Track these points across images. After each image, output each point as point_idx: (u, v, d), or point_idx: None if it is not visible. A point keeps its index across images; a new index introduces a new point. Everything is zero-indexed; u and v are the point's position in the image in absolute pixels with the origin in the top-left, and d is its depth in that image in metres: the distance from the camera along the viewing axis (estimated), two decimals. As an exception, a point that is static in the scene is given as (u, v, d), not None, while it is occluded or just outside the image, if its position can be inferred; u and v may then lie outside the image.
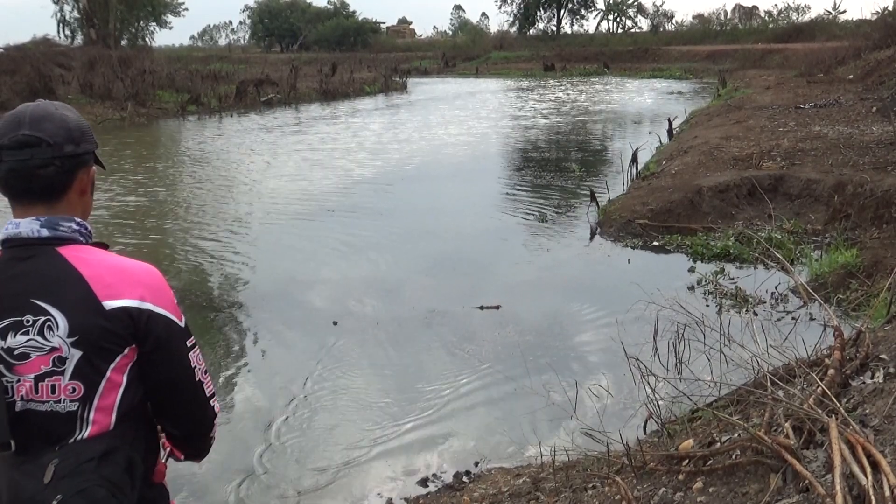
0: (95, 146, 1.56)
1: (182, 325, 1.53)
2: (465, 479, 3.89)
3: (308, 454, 4.20)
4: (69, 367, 1.41)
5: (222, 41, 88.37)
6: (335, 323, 6.04)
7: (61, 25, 39.84)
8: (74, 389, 1.42)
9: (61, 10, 39.83)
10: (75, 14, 39.55)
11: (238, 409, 4.70)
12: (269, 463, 4.10)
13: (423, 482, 3.91)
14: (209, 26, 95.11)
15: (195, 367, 1.55)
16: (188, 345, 1.54)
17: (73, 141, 1.48)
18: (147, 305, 1.46)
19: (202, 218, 10.15)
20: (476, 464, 4.04)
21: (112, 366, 1.44)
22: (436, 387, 4.98)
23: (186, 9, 47.27)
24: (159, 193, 11.87)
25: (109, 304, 1.43)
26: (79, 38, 38.71)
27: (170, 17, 46.09)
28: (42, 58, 25.18)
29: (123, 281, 1.46)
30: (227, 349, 5.61)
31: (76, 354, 1.41)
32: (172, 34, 71.69)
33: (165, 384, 1.52)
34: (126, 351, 1.46)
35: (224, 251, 8.32)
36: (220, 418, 1.65)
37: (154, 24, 45.39)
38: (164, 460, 1.68)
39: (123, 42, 39.97)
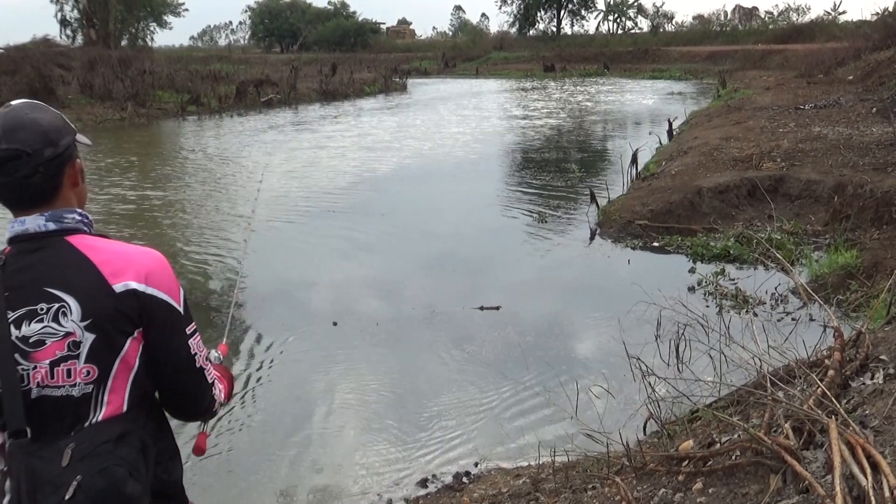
0: (74, 134, 1.56)
1: (182, 311, 1.56)
2: (464, 479, 3.89)
3: (307, 454, 4.20)
4: (83, 351, 1.45)
5: (222, 41, 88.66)
6: (335, 323, 6.04)
7: (62, 26, 39.89)
8: (89, 372, 1.46)
9: (61, 10, 39.87)
10: (75, 14, 39.58)
11: (236, 409, 4.69)
12: (267, 462, 4.10)
13: (423, 483, 3.91)
14: (209, 27, 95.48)
15: (195, 353, 1.58)
16: (188, 331, 1.57)
17: (51, 143, 1.48)
18: (150, 290, 1.50)
19: (202, 217, 10.15)
20: (476, 464, 4.05)
21: (125, 347, 1.49)
22: (436, 387, 4.99)
23: (186, 9, 47.42)
24: (159, 193, 11.86)
25: (119, 287, 1.47)
26: (79, 39, 38.71)
27: (170, 18, 46.24)
28: (42, 58, 25.15)
29: (129, 264, 1.50)
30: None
31: (90, 338, 1.45)
32: (172, 34, 71.62)
33: (167, 369, 1.56)
34: (136, 333, 1.50)
35: (224, 251, 8.31)
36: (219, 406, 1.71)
37: (154, 24, 45.46)
38: (202, 430, 1.81)
39: (123, 42, 40.00)
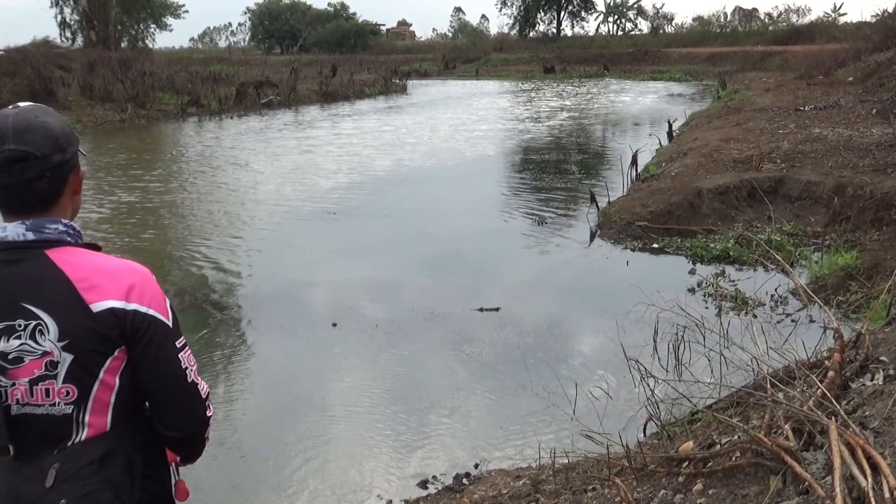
0: (79, 142, 1.54)
1: (171, 324, 1.51)
2: (464, 480, 3.89)
3: (305, 455, 4.20)
4: (62, 371, 1.41)
5: (222, 43, 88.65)
6: (334, 324, 6.03)
7: (62, 27, 39.96)
8: (68, 393, 1.42)
9: (61, 12, 39.93)
10: (75, 16, 39.63)
11: (237, 410, 4.69)
12: (265, 463, 4.10)
13: (423, 484, 3.90)
14: (209, 28, 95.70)
15: (186, 367, 1.52)
16: (178, 345, 1.52)
17: (60, 149, 1.45)
18: (132, 306, 1.44)
19: (202, 219, 10.15)
20: (476, 466, 4.04)
21: (104, 368, 1.44)
22: (435, 389, 4.98)
23: (186, 11, 47.50)
24: (159, 195, 11.86)
25: (96, 306, 1.41)
26: (79, 40, 38.76)
27: (169, 19, 46.32)
28: (42, 59, 25.15)
29: (108, 281, 1.44)
30: (226, 351, 5.60)
31: (67, 358, 1.41)
32: (172, 36, 72.06)
33: (158, 385, 1.50)
34: (116, 352, 1.45)
35: (224, 252, 8.32)
36: (214, 418, 1.64)
37: (154, 26, 45.51)
38: (178, 478, 1.67)
39: (123, 44, 40.04)
